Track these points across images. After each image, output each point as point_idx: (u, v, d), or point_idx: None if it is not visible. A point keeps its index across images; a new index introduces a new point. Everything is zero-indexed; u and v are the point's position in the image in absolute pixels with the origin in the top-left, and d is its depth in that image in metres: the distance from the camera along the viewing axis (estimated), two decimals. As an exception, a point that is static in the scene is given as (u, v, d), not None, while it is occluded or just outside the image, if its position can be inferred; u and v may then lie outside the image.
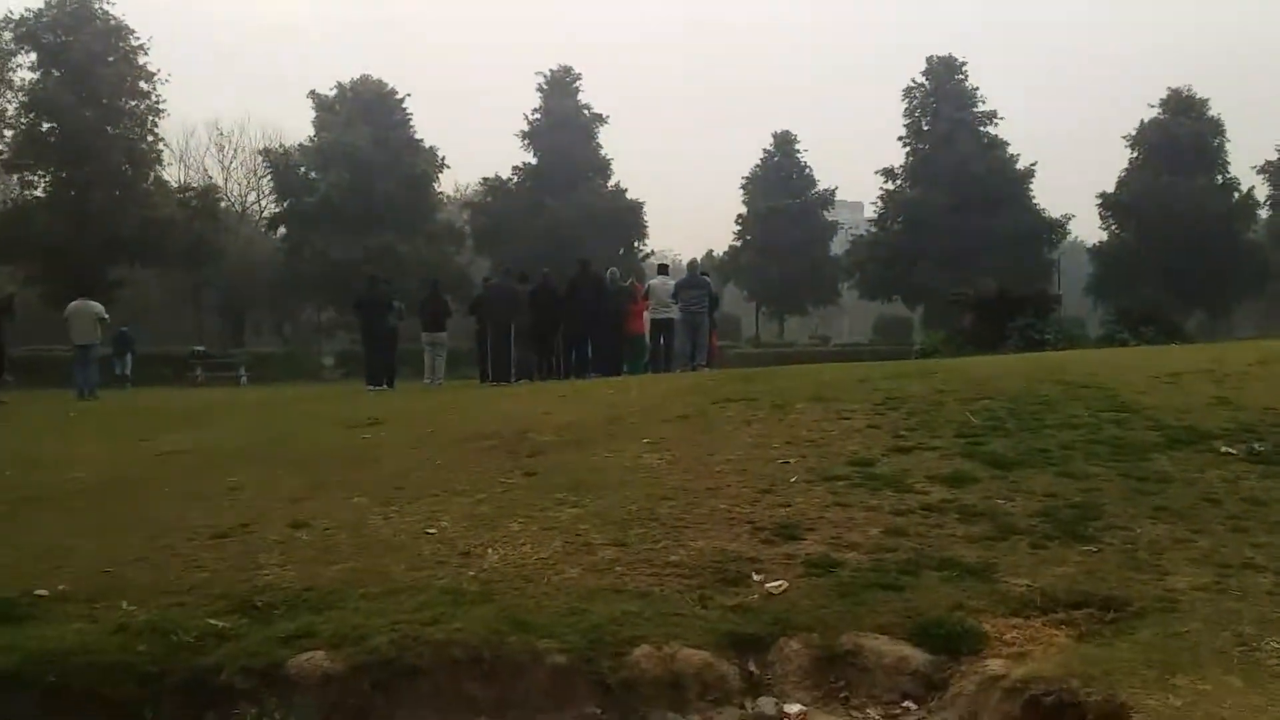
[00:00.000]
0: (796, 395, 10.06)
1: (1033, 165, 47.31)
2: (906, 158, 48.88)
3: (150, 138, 35.27)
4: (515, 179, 48.44)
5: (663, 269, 17.66)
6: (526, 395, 11.95)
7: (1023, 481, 6.63)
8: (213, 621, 4.73)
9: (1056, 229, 47.20)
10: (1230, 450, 7.19)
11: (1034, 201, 46.87)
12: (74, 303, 18.43)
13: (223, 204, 44.12)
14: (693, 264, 17.49)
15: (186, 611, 4.90)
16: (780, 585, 5.01)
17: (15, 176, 33.91)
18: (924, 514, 6.03)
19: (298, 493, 7.07)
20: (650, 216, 49.82)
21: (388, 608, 4.76)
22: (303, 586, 5.12)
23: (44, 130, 32.96)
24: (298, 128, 47.24)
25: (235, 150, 48.54)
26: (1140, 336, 18.97)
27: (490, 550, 5.58)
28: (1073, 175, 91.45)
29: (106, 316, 18.32)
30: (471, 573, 5.23)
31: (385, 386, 16.60)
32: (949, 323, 48.35)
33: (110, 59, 33.76)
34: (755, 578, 5.12)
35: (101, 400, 17.08)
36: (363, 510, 6.49)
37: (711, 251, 57.65)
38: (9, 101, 33.90)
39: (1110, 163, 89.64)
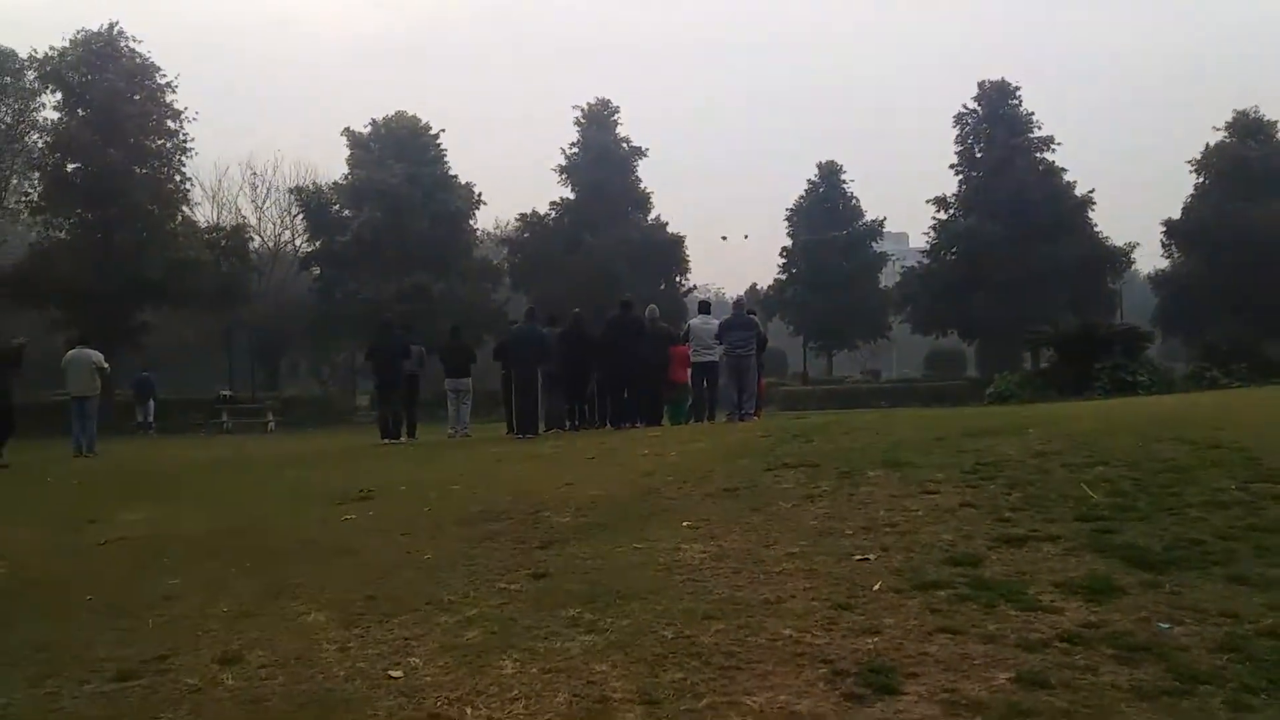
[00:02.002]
0: (866, 459, 8.47)
1: (1090, 192, 45.27)
2: (959, 186, 46.89)
3: (178, 177, 34.48)
4: (553, 214, 47.26)
5: (704, 307, 16.05)
6: (550, 456, 10.43)
7: (1185, 592, 4.98)
8: None
9: (1120, 258, 44.99)
10: None
11: (1095, 229, 44.78)
12: (71, 351, 17.09)
13: (255, 243, 43.27)
14: (739, 302, 15.84)
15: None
16: (882, 788, 3.40)
17: (39, 218, 33.21)
18: (1064, 648, 4.39)
19: (245, 604, 5.58)
20: (692, 250, 48.41)
21: (302, 829, 3.23)
22: (197, 779, 3.61)
23: (69, 171, 32.24)
24: (333, 166, 46.51)
25: (269, 189, 47.71)
26: (1233, 375, 17.06)
27: (469, 710, 4.03)
28: (1128, 202, 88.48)
29: (106, 366, 17.01)
30: (438, 754, 3.68)
31: (400, 440, 15.19)
32: (1008, 357, 46.46)
33: (136, 97, 32.93)
34: (843, 769, 3.52)
35: (97, 458, 15.74)
36: (316, 634, 4.98)
37: (756, 285, 56.14)
38: (35, 142, 33.31)
39: (1170, 187, 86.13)
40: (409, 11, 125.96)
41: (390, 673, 4.42)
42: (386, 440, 14.92)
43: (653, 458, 9.55)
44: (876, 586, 5.21)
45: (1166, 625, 4.62)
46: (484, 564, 6.11)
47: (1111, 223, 47.77)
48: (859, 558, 5.73)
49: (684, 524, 6.75)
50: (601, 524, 6.92)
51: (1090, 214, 44.74)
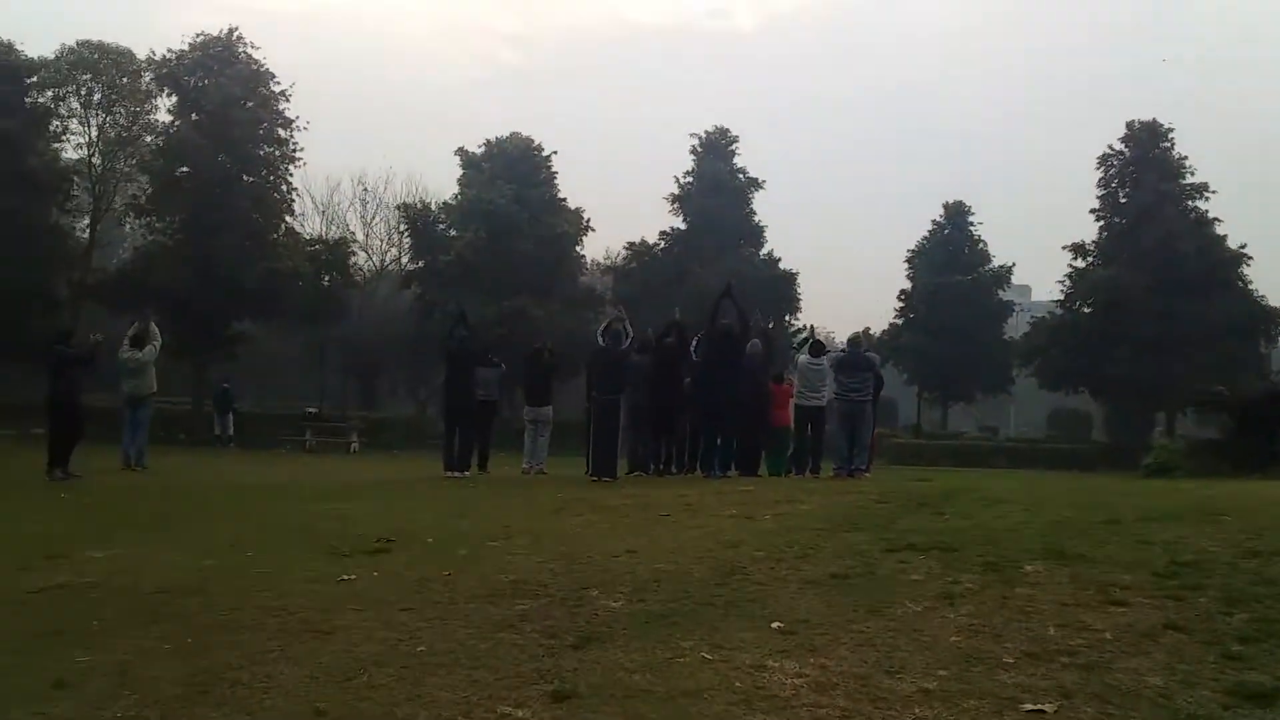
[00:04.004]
0: (1019, 545, 6.52)
1: (1243, 247, 41.53)
2: (1100, 232, 43.62)
3: (284, 186, 34.01)
4: (662, 244, 45.73)
5: (816, 348, 13.91)
6: (618, 509, 8.68)
7: None
8: None
9: (1277, 320, 41.08)
10: None
11: (1250, 287, 41.02)
12: (126, 345, 15.11)
13: (359, 259, 42.77)
14: (855, 339, 13.58)
15: None
16: None
17: (144, 221, 33.17)
18: None
19: (148, 706, 4.01)
20: (804, 289, 46.24)
21: None
22: None
23: (178, 175, 32.06)
24: (444, 186, 45.51)
25: (378, 205, 47.19)
26: None
27: None
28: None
29: (158, 342, 15.13)
30: None
31: (466, 474, 13.57)
32: (1139, 421, 42.83)
33: (249, 104, 32.66)
34: None
35: (143, 472, 14.50)
36: (214, 776, 3.34)
37: (869, 330, 53.56)
38: (148, 145, 33.31)
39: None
40: (540, 46, 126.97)
41: None
42: (449, 473, 13.32)
43: (741, 521, 7.73)
44: (1065, 768, 3.35)
45: None
46: (491, 667, 4.42)
47: (1266, 281, 43.18)
48: (1029, 708, 3.87)
49: (774, 625, 4.96)
50: (663, 614, 5.16)
51: (1245, 269, 41.13)
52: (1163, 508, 8.20)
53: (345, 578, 5.91)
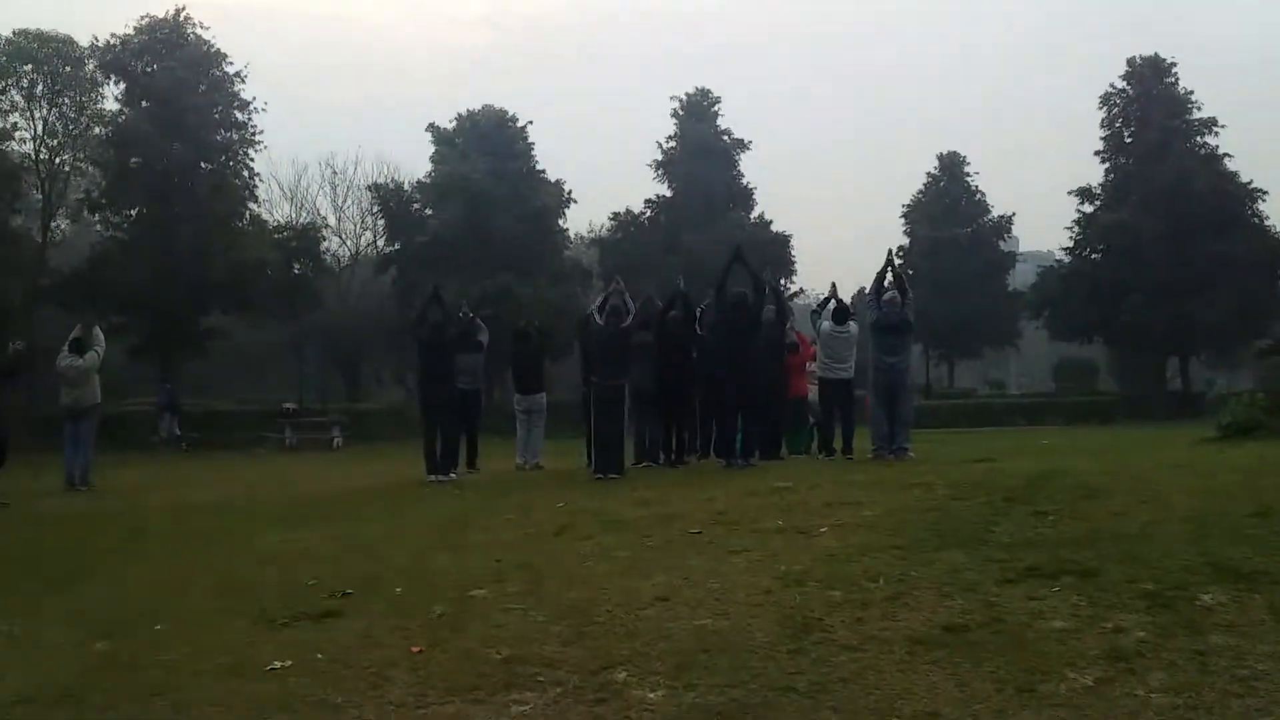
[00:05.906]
0: (1172, 559, 4.93)
1: (1249, 183, 39.68)
2: (1106, 175, 41.76)
3: (245, 171, 32.06)
4: (648, 212, 43.84)
5: (840, 314, 12.12)
6: (634, 524, 7.04)
7: None
8: None
9: (1293, 257, 39.46)
10: None
11: (1267, 223, 39.32)
12: (63, 352, 13.47)
13: (332, 244, 40.72)
14: (892, 298, 11.18)
15: None
16: None
17: (97, 216, 31.21)
18: None
19: None
20: (798, 250, 44.50)
21: None
22: None
23: (131, 166, 30.08)
24: (417, 165, 43.25)
25: (349, 187, 44.86)
26: None
27: None
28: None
29: (99, 349, 13.50)
30: None
31: (452, 475, 11.91)
32: (1150, 369, 41.24)
33: (201, 87, 30.65)
34: None
35: (87, 491, 12.84)
36: None
37: (864, 290, 51.93)
38: (98, 136, 31.24)
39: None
40: (508, 29, 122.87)
41: None
42: (433, 478, 11.62)
43: (795, 538, 6.09)
44: None
45: None
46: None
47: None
48: None
49: (891, 724, 3.37)
50: (725, 713, 3.55)
51: (1261, 205, 39.41)
52: (1307, 486, 6.65)
53: (276, 665, 4.28)
